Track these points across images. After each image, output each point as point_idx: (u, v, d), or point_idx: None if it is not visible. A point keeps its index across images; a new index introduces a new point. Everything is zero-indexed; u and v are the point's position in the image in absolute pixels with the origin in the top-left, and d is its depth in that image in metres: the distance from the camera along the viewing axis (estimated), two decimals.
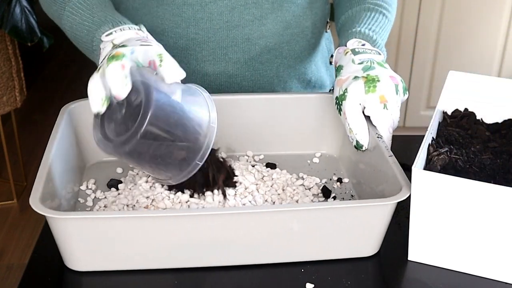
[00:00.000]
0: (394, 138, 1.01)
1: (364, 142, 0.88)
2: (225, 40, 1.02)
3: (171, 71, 0.81)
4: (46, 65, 3.37)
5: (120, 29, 0.90)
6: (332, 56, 1.10)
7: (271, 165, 0.96)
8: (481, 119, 0.94)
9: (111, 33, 0.89)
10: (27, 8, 1.97)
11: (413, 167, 0.75)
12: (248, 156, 1.00)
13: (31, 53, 2.50)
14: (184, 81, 1.05)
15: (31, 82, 3.08)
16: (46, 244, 0.79)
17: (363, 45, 0.96)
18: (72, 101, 0.96)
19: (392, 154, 0.84)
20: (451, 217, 0.76)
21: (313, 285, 0.76)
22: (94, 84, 0.79)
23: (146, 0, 1.01)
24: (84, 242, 0.75)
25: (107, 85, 0.78)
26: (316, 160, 1.00)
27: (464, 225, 0.76)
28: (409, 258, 0.81)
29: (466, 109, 0.95)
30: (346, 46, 0.97)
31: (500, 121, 0.94)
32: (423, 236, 0.79)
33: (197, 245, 0.76)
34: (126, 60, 0.79)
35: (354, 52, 0.94)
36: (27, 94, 2.24)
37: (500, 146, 0.88)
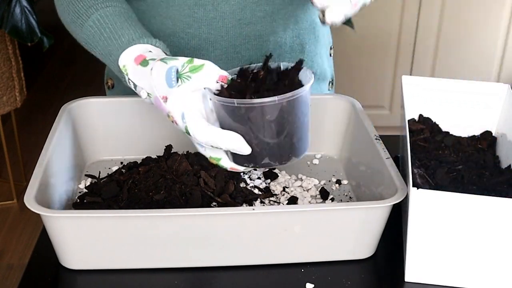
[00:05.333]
0: (393, 138, 1.01)
1: None
2: (238, 38, 1.01)
3: None
4: (46, 65, 3.37)
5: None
6: (331, 48, 1.07)
7: None
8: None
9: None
10: (27, 8, 1.97)
11: (408, 186, 0.74)
12: None
13: (31, 53, 2.49)
14: None
15: (31, 82, 3.08)
16: (46, 244, 0.79)
17: None
18: (71, 100, 0.96)
19: (389, 156, 0.84)
20: (451, 234, 0.74)
21: (313, 285, 0.76)
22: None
23: (154, 2, 1.00)
24: (78, 241, 0.75)
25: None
26: (316, 161, 1.00)
27: (465, 240, 0.74)
28: (406, 280, 0.78)
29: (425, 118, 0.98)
30: None
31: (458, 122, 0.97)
32: (422, 256, 0.76)
33: (196, 245, 0.76)
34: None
35: None
36: (27, 94, 2.24)
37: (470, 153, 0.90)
